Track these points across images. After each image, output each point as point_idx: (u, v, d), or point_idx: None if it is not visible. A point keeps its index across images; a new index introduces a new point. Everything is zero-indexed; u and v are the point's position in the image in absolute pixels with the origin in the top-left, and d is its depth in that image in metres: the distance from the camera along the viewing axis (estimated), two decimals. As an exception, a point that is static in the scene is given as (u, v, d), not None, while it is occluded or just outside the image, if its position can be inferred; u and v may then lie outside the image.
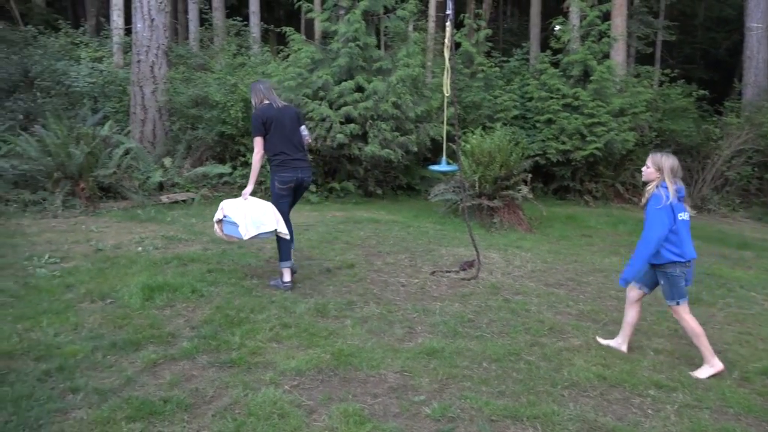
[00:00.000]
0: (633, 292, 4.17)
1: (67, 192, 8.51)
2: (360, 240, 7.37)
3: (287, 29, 11.42)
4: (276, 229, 5.02)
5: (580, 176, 12.76)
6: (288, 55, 11.65)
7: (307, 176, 5.32)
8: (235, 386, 3.31)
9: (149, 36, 11.17)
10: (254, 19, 17.93)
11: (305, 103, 10.30)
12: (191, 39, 16.95)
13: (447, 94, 5.83)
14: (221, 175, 10.64)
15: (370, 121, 10.36)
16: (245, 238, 4.90)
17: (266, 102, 5.18)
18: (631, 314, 4.19)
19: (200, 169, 10.57)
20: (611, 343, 4.28)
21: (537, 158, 11.92)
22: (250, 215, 4.94)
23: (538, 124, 12.80)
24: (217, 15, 17.87)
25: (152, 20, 11.15)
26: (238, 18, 15.79)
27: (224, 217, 5.05)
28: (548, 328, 4.50)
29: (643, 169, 4.06)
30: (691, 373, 3.87)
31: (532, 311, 4.91)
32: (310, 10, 11.77)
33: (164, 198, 9.51)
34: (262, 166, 5.41)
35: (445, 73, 5.81)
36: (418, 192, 12.28)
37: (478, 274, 5.93)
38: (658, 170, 3.94)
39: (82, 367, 3.41)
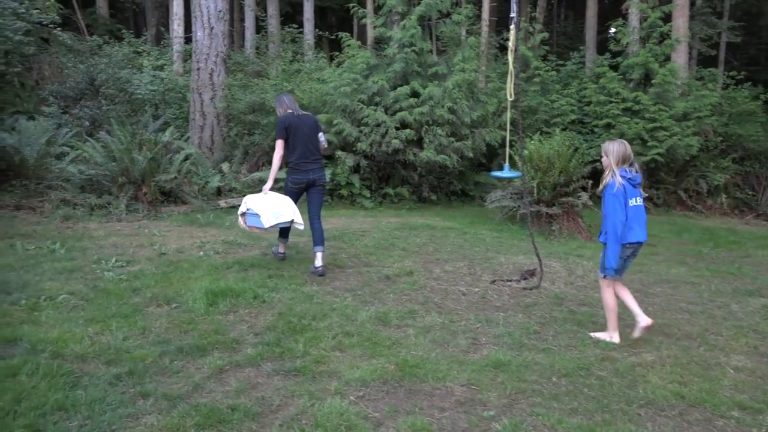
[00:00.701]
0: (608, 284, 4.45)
1: (131, 196, 8.74)
2: (417, 247, 7.30)
3: (343, 35, 11.48)
4: (293, 219, 5.70)
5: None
6: (343, 61, 11.70)
7: (318, 176, 5.96)
8: (301, 396, 3.28)
9: (208, 44, 11.40)
10: (308, 26, 18.14)
11: (360, 108, 10.31)
12: (247, 46, 17.25)
13: (510, 99, 5.69)
14: (277, 181, 10.70)
15: (426, 126, 10.29)
16: (266, 227, 5.53)
17: (289, 111, 5.95)
18: (611, 300, 4.43)
19: (256, 174, 10.70)
20: (601, 335, 4.46)
21: (596, 164, 11.59)
22: (270, 207, 5.61)
23: (596, 129, 12.48)
24: (273, 22, 18.13)
25: (212, 28, 11.38)
26: (293, 25, 15.97)
27: (247, 210, 5.67)
28: (618, 342, 4.32)
29: (603, 159, 4.40)
30: (591, 333, 4.48)
31: (600, 323, 4.73)
32: (364, 16, 11.81)
33: (222, 203, 9.67)
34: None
35: (509, 76, 5.69)
36: (473, 198, 12.14)
37: (541, 284, 5.77)
38: (609, 156, 4.30)
39: (151, 372, 3.45)
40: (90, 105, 12.01)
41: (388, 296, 5.17)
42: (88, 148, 9.43)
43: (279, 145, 5.84)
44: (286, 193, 5.94)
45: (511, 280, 5.95)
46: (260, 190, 5.98)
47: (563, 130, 11.58)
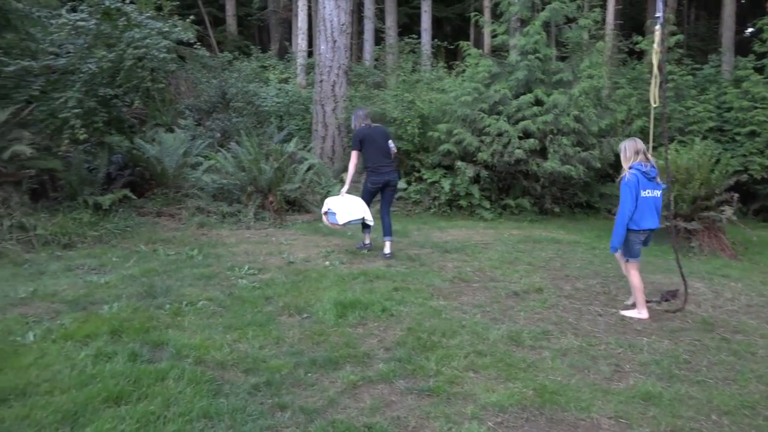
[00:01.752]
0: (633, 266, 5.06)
1: (258, 205, 9.09)
2: (543, 261, 7.00)
3: (464, 44, 11.35)
4: (363, 217, 6.75)
5: (790, 195, 11.23)
6: (463, 70, 11.56)
7: (392, 178, 6.95)
8: (437, 418, 3.17)
9: (331, 57, 11.69)
10: (426, 36, 18.20)
11: (481, 117, 10.12)
12: (366, 58, 17.57)
13: (654, 105, 5.31)
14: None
15: (551, 135, 9.91)
16: (340, 223, 6.69)
17: (363, 124, 6.96)
18: (635, 280, 5.04)
19: (376, 185, 10.79)
20: (631, 314, 5.00)
21: (743, 175, 10.65)
22: (345, 207, 6.73)
23: (738, 137, 11.48)
24: (391, 34, 18.37)
25: (334, 42, 11.65)
26: (413, 36, 16.06)
27: (328, 210, 6.78)
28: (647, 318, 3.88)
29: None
30: (621, 311, 5.08)
31: (760, 354, 4.25)
32: (478, 22, 11.60)
33: (343, 212, 9.81)
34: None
35: (653, 81, 5.31)
36: (598, 210, 11.54)
37: (685, 306, 5.30)
38: (627, 151, 4.94)
39: (287, 384, 3.47)
40: (221, 117, 12.68)
41: (518, 314, 4.95)
42: (220, 158, 9.93)
43: (354, 155, 6.95)
44: (364, 193, 6.96)
45: (650, 301, 5.51)
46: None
47: (705, 138, 10.74)
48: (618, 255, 5.20)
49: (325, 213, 6.82)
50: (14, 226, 6.09)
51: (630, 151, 4.93)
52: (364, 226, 6.98)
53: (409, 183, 10.91)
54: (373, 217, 6.97)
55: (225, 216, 8.71)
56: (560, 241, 8.41)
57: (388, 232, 6.90)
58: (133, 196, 8.04)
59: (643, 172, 4.84)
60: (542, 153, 10.14)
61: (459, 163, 10.20)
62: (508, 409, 3.30)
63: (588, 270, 6.64)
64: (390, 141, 7.00)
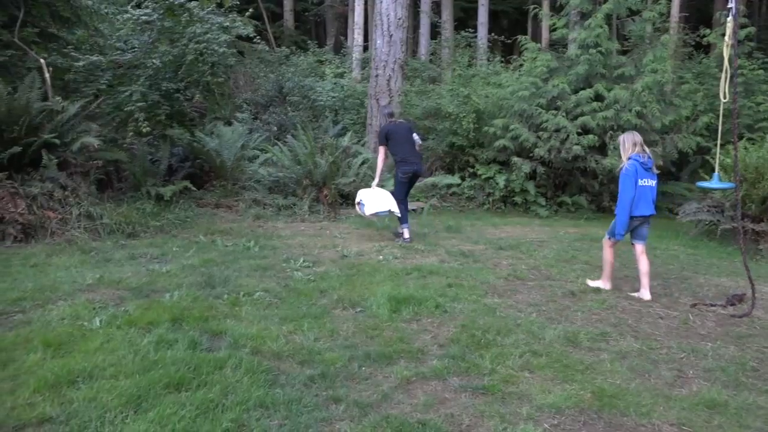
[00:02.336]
0: (635, 247, 5.55)
1: (313, 198, 9.19)
2: (600, 261, 6.81)
3: (522, 38, 11.15)
4: (390, 209, 7.19)
5: None
6: (520, 65, 11.37)
7: (420, 168, 7.47)
8: (491, 417, 3.13)
9: (387, 51, 11.66)
10: (482, 30, 17.98)
11: (539, 113, 9.94)
12: (422, 52, 17.49)
13: (724, 100, 5.09)
14: (450, 186, 10.72)
15: (611, 132, 9.65)
16: (367, 213, 7.22)
17: (388, 121, 7.48)
18: (642, 264, 5.48)
19: (430, 179, 10.75)
20: (639, 294, 5.40)
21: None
22: (374, 199, 7.22)
23: (812, 135, 10.88)
24: (447, 28, 18.22)
25: (390, 36, 11.62)
26: (470, 29, 15.89)
27: (360, 200, 7.31)
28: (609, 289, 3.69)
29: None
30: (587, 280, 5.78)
31: (833, 364, 4.03)
32: (537, 15, 11.36)
33: (396, 207, 9.81)
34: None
35: (723, 75, 5.09)
36: (659, 209, 11.16)
37: (752, 311, 5.08)
38: (625, 143, 5.35)
39: (341, 377, 3.49)
40: (278, 111, 12.87)
41: (575, 314, 4.84)
42: (276, 151, 10.08)
43: (381, 150, 7.42)
44: (398, 185, 7.36)
45: (715, 305, 5.31)
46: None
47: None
48: (633, 245, 5.59)
49: (358, 203, 7.36)
50: (82, 215, 6.35)
51: (629, 143, 5.34)
52: (401, 220, 7.33)
53: (463, 178, 10.82)
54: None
55: (280, 208, 8.84)
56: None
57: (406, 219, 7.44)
58: (193, 188, 8.26)
59: (641, 162, 5.24)
60: (601, 149, 9.89)
61: (515, 159, 10.05)
62: (564, 411, 3.23)
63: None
64: (414, 134, 7.45)
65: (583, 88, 10.06)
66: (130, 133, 7.75)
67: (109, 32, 8.69)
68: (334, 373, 3.52)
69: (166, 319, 4.11)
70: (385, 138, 7.30)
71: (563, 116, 9.82)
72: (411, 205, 10.14)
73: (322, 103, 13.08)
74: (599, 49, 9.92)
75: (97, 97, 7.66)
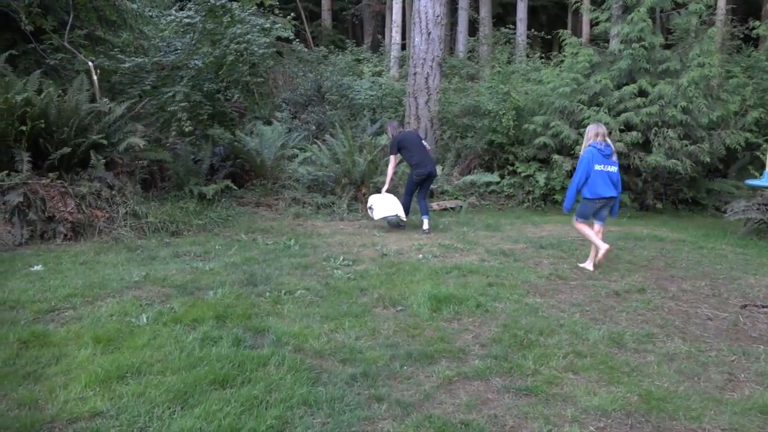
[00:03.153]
0: (595, 226, 6.18)
1: (351, 197, 9.22)
2: (645, 260, 6.68)
3: (563, 33, 10.97)
4: (397, 214, 7.71)
5: None
6: (561, 61, 11.19)
7: (433, 170, 7.97)
8: (535, 419, 3.09)
9: (425, 49, 11.64)
10: (521, 27, 17.77)
11: (580, 109, 9.76)
12: (460, 50, 17.38)
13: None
14: (488, 184, 10.63)
15: (655, 128, 9.42)
16: (376, 218, 7.73)
17: (399, 131, 8.14)
18: (584, 231, 6.16)
19: (468, 177, 10.69)
20: (586, 265, 6.15)
21: None
22: (383, 204, 7.74)
23: None
24: (485, 24, 18.07)
25: (429, 33, 11.60)
26: (509, 26, 15.72)
27: (370, 206, 7.84)
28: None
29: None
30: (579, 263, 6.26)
31: None
32: (578, 10, 11.14)
33: (434, 205, 9.79)
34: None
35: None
36: (704, 207, 10.89)
37: (807, 314, 4.89)
38: (588, 133, 6.08)
39: (382, 376, 3.49)
40: (316, 110, 12.95)
41: (619, 315, 4.75)
42: (315, 150, 10.15)
43: (392, 159, 7.98)
44: (409, 184, 7.93)
45: (766, 306, 5.14)
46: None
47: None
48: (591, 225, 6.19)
49: (369, 208, 7.88)
50: (128, 214, 6.51)
51: (591, 133, 6.02)
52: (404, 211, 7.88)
53: (502, 176, 10.72)
54: (413, 200, 8.08)
55: (319, 207, 8.90)
56: (663, 239, 7.98)
57: (425, 212, 7.94)
58: (235, 187, 8.37)
59: (598, 149, 5.90)
60: (645, 146, 9.67)
61: (555, 157, 9.90)
62: (611, 414, 3.17)
63: (695, 270, 6.27)
64: (423, 140, 8.16)
65: (626, 84, 9.85)
66: (173, 133, 7.90)
67: (152, 35, 8.88)
68: (376, 372, 3.53)
69: (210, 316, 4.18)
70: (397, 147, 7.82)
71: (605, 113, 9.63)
72: (449, 203, 10.13)
73: (360, 101, 13.11)
74: (643, 43, 9.69)
75: (141, 98, 7.84)
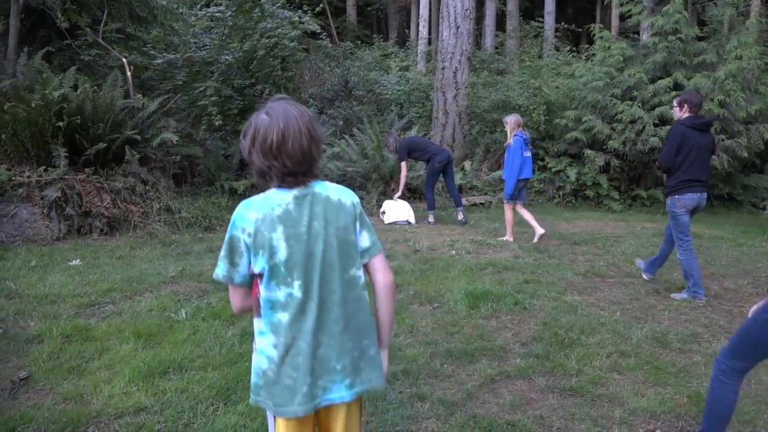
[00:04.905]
0: (517, 205, 7.00)
1: (380, 192, 9.18)
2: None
3: (596, 26, 10.78)
4: (408, 220, 7.99)
5: None
6: (593, 54, 11.01)
7: (451, 155, 8.41)
8: (582, 420, 3.02)
9: (454, 43, 11.54)
10: (549, 20, 17.53)
11: (613, 104, 9.59)
12: (488, 44, 17.21)
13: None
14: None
15: (691, 122, 9.20)
16: (386, 222, 7.97)
17: (401, 138, 8.55)
18: (510, 215, 7.02)
19: (497, 173, 10.56)
20: (500, 238, 7.09)
21: None
22: (394, 210, 8.07)
23: None
24: (513, 18, 17.86)
25: (457, 27, 11.49)
26: (539, 19, 15.51)
27: (383, 210, 8.20)
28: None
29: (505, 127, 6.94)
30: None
31: None
32: (611, 2, 10.93)
33: (464, 200, 9.69)
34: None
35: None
36: (740, 203, 10.65)
37: None
38: (509, 124, 6.79)
39: (423, 374, 3.45)
40: (343, 106, 12.93)
41: (662, 314, 4.64)
42: (343, 145, 10.13)
43: (404, 165, 8.08)
44: (432, 173, 7.99)
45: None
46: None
47: None
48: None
49: (382, 212, 8.21)
50: (162, 209, 6.55)
51: (513, 123, 6.77)
52: (428, 206, 8.15)
53: (532, 171, 10.57)
54: (440, 192, 8.82)
55: (350, 203, 8.86)
56: (701, 235, 7.81)
57: (459, 203, 8.15)
58: (265, 182, 8.35)
59: (524, 138, 6.73)
60: (680, 141, 9.45)
61: (587, 152, 9.75)
62: (660, 416, 3.09)
63: (736, 268, 6.12)
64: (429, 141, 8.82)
65: (661, 77, 9.65)
66: (203, 128, 7.93)
67: (182, 31, 8.93)
68: (417, 370, 3.49)
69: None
70: (408, 152, 7.95)
71: (639, 107, 9.44)
72: (479, 199, 10.04)
73: (387, 96, 13.06)
74: (679, 35, 9.47)
75: (174, 94, 7.88)
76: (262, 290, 1.67)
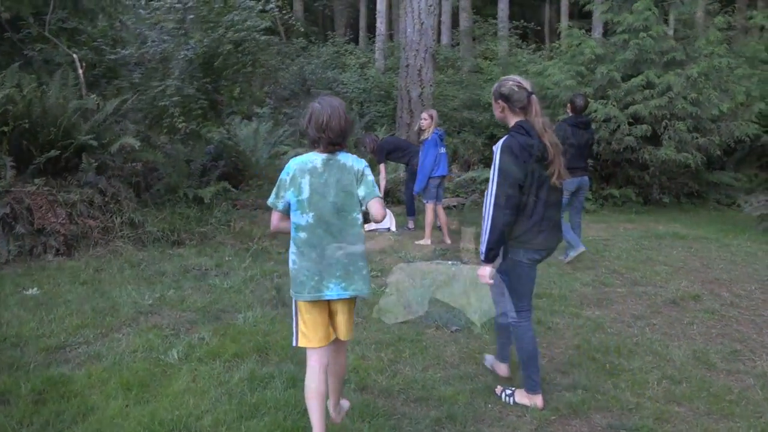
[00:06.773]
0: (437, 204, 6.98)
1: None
2: (680, 261, 6.37)
3: (569, 23, 10.60)
4: (388, 227, 7.58)
5: None
6: (560, 52, 10.84)
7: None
8: (664, 468, 2.65)
9: (418, 39, 11.11)
10: (503, 16, 17.37)
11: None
12: (443, 41, 16.91)
13: None
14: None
15: (665, 121, 9.13)
16: (367, 229, 6.96)
17: (380, 139, 8.28)
18: (431, 217, 6.90)
19: (468, 174, 10.28)
20: (420, 242, 6.86)
21: None
22: None
23: None
24: (465, 16, 17.62)
25: (422, 24, 11.07)
26: (491, 18, 15.30)
27: None
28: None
29: (422, 121, 6.82)
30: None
31: None
32: (588, 3, 10.80)
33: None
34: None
35: None
36: (705, 200, 10.72)
37: None
38: (431, 119, 6.73)
39: (470, 418, 3.01)
40: (302, 105, 12.33)
41: (690, 328, 4.36)
42: (303, 149, 9.54)
43: (383, 168, 7.75)
44: (412, 176, 7.48)
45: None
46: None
47: None
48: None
49: None
50: (125, 223, 5.84)
51: (436, 118, 6.81)
52: (408, 212, 7.94)
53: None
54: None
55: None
56: (684, 236, 7.71)
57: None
58: (232, 189, 7.71)
59: (439, 135, 6.75)
60: (652, 140, 9.37)
61: (562, 151, 9.53)
62: (743, 458, 2.76)
63: (737, 272, 5.97)
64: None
65: (632, 75, 9.54)
66: (165, 131, 7.21)
67: (134, 25, 8.14)
68: (461, 414, 3.04)
69: (250, 349, 3.61)
70: (386, 153, 7.68)
71: (613, 105, 9.30)
72: (452, 201, 9.68)
73: (348, 95, 12.54)
74: (650, 33, 9.37)
75: (129, 93, 7.12)
76: (292, 216, 2.48)
